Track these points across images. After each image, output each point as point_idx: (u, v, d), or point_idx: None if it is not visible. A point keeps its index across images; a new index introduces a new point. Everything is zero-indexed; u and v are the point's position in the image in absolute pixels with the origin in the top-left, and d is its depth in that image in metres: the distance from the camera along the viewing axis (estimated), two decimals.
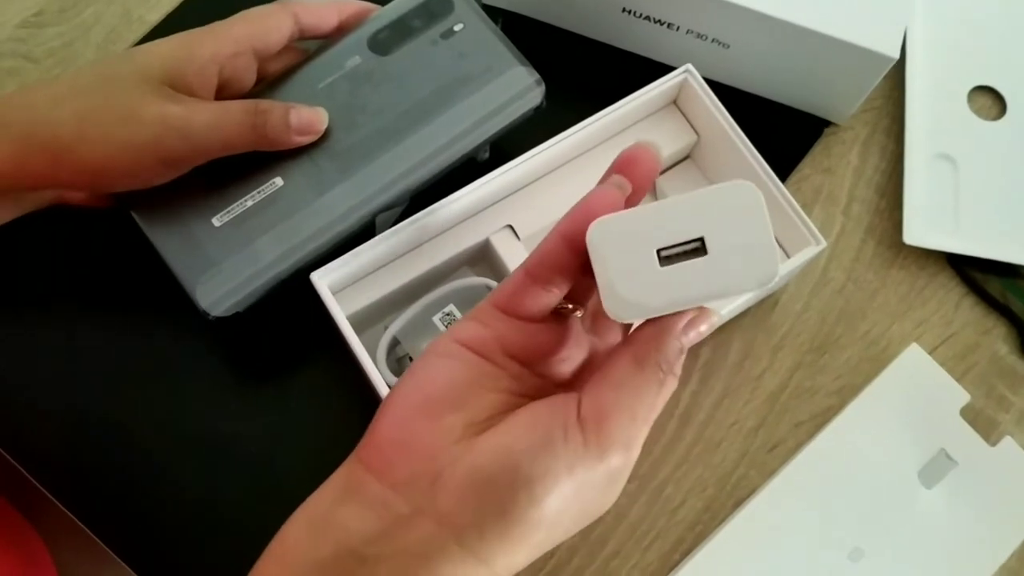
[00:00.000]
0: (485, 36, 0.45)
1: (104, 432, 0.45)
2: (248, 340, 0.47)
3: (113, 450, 0.45)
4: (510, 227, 0.46)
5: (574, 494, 0.29)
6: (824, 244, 0.44)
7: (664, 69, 0.52)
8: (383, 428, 0.31)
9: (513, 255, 0.45)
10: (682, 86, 0.47)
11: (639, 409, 0.29)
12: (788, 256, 0.46)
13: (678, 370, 0.30)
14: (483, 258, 0.47)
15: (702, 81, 0.46)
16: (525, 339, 0.32)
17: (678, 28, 0.49)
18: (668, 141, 0.48)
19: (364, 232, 0.44)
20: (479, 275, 0.46)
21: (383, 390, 0.41)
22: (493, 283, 0.45)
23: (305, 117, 0.43)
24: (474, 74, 0.45)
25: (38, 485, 0.44)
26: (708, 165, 0.49)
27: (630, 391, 0.29)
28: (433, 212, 0.43)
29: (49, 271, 0.47)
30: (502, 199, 0.46)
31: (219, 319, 0.42)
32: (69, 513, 0.44)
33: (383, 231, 0.44)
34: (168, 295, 0.43)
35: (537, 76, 0.45)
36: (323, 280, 0.42)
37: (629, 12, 0.50)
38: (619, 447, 0.29)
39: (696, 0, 0.47)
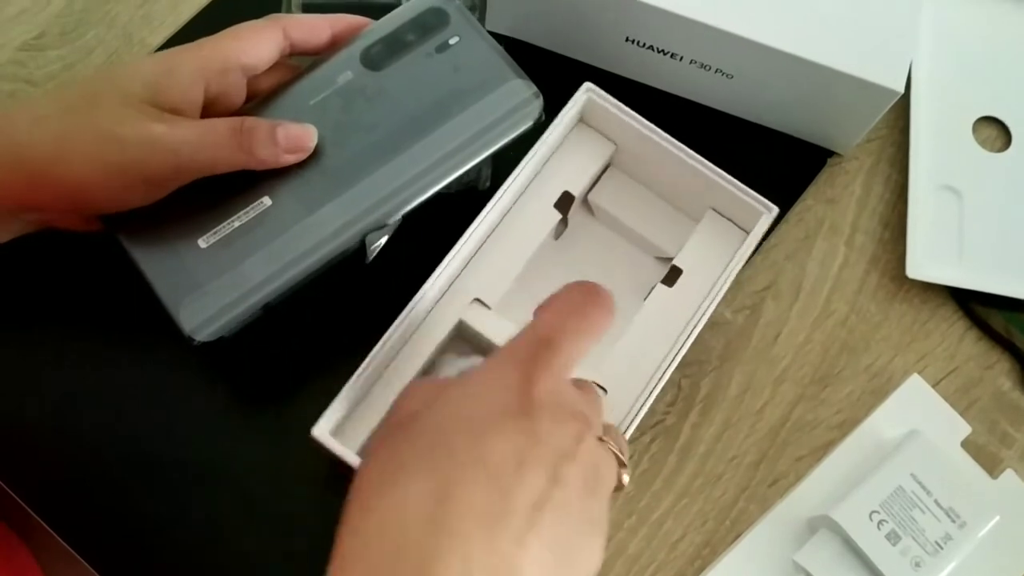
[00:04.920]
0: (481, 49, 0.44)
1: (95, 457, 0.45)
2: (243, 366, 0.47)
3: (104, 475, 0.45)
4: (478, 300, 0.45)
5: None
6: (776, 209, 0.44)
7: (667, 98, 0.52)
8: None
9: (489, 325, 0.44)
10: (587, 105, 0.47)
11: None
12: (747, 233, 0.46)
13: None
14: (462, 338, 0.46)
15: (604, 93, 0.46)
16: None
17: (681, 58, 0.49)
18: (590, 158, 0.48)
19: (354, 253, 0.43)
20: (463, 355, 0.46)
21: None
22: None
23: (293, 134, 0.41)
24: (469, 88, 0.44)
25: (28, 509, 0.44)
26: (633, 167, 0.49)
27: None
28: (401, 322, 0.42)
29: (38, 297, 0.47)
30: (458, 278, 0.45)
31: (204, 344, 0.41)
32: (59, 538, 0.44)
33: (374, 252, 0.43)
34: (161, 320, 0.42)
35: (535, 89, 0.44)
36: (324, 431, 0.41)
37: (632, 42, 0.49)
38: None
39: (700, 31, 0.47)
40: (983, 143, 0.53)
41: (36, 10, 0.52)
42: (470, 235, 0.44)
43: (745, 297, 0.50)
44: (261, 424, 0.46)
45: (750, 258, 0.46)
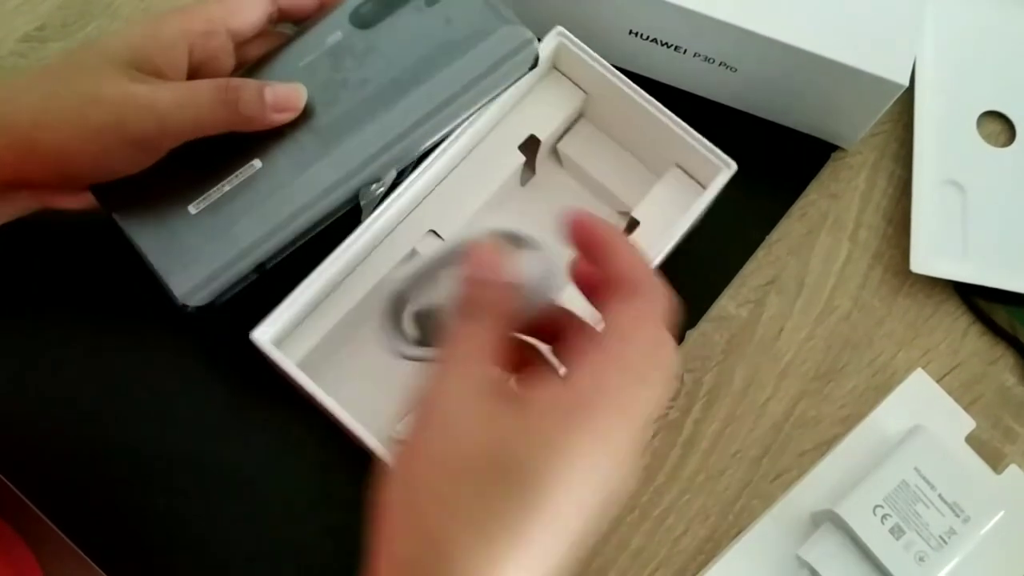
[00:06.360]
0: None
1: (93, 449, 0.45)
2: (241, 362, 0.46)
3: (103, 468, 0.45)
4: (432, 232, 0.45)
5: None
6: (735, 167, 0.44)
7: (671, 91, 0.52)
8: None
9: None
10: (558, 49, 0.46)
11: None
12: (704, 187, 0.46)
13: None
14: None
15: (577, 40, 0.46)
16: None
17: (685, 51, 0.49)
18: (558, 105, 0.48)
19: (348, 211, 0.42)
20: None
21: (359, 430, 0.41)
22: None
23: (281, 93, 0.40)
24: (461, 38, 0.42)
25: (27, 501, 0.44)
26: (602, 119, 0.49)
27: None
28: (354, 242, 0.42)
29: (33, 286, 0.47)
30: (416, 207, 0.45)
31: (199, 310, 0.40)
32: (59, 530, 0.44)
33: (368, 211, 0.42)
34: (162, 312, 0.42)
35: (530, 34, 0.42)
36: (265, 336, 0.41)
37: (636, 34, 0.49)
38: None
39: (704, 24, 0.47)
40: (987, 138, 0.53)
41: (37, 1, 0.52)
42: (425, 168, 0.44)
43: (748, 292, 0.50)
44: (262, 418, 0.46)
45: (753, 252, 0.45)
